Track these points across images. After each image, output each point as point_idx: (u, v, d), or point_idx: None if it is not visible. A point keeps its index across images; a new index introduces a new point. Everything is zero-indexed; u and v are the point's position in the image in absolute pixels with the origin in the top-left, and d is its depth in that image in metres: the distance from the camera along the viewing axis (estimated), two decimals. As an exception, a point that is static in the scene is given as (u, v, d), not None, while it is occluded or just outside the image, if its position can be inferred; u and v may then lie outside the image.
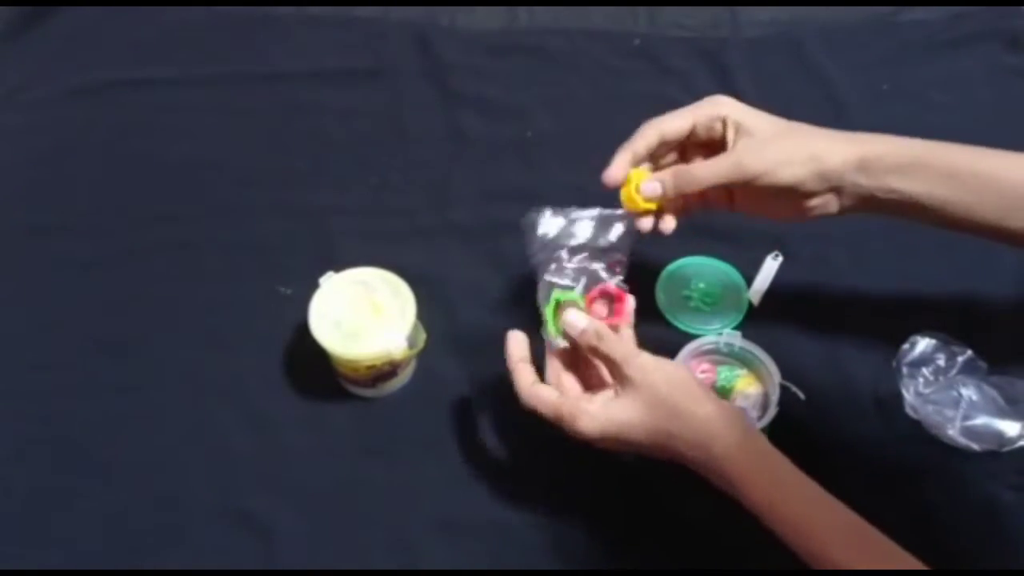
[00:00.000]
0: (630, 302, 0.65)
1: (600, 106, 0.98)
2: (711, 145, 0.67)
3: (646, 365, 0.61)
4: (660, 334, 0.79)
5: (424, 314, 0.74)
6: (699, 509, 0.68)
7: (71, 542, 0.70)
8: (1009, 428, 0.71)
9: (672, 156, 0.69)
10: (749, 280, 0.82)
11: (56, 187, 0.91)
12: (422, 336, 0.74)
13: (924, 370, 0.74)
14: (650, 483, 0.71)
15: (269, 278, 0.83)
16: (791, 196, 0.65)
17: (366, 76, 1.00)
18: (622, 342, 0.63)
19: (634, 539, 0.70)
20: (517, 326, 0.80)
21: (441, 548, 0.70)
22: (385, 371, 0.74)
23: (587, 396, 0.64)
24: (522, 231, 0.67)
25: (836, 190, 0.65)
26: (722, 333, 0.71)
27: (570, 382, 0.66)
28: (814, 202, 0.65)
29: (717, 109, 0.66)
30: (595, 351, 0.63)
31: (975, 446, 0.71)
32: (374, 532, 0.71)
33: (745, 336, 0.72)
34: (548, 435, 0.74)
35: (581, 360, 0.67)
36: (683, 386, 0.61)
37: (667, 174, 0.65)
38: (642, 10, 1.05)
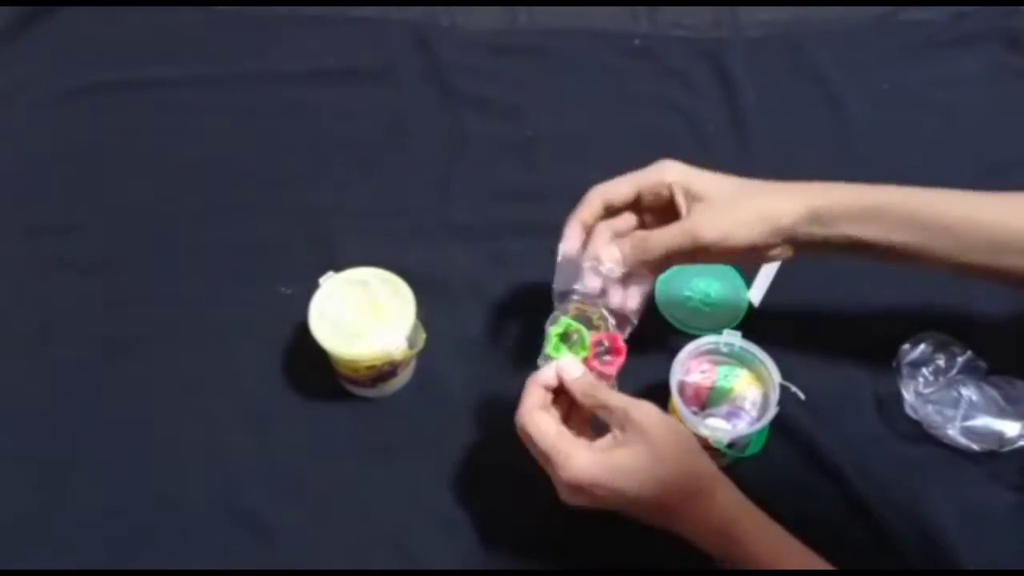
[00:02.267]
0: (622, 359, 0.66)
1: (600, 106, 0.98)
2: (664, 209, 0.67)
3: (652, 414, 0.60)
4: (660, 334, 0.79)
5: (424, 314, 0.74)
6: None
7: (71, 542, 0.70)
8: (1009, 428, 0.71)
9: (630, 217, 0.69)
10: (749, 280, 0.82)
11: (55, 187, 0.91)
12: (422, 336, 0.74)
13: (924, 370, 0.74)
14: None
15: (269, 278, 0.83)
16: (747, 253, 0.65)
17: (366, 76, 1.00)
18: (616, 391, 0.63)
19: (634, 539, 0.69)
20: (517, 326, 0.81)
21: (441, 548, 0.70)
22: (385, 371, 0.74)
23: (583, 440, 0.61)
24: (555, 258, 0.67)
25: (792, 242, 0.65)
26: (722, 333, 0.71)
27: (547, 421, 0.62)
28: (772, 253, 0.66)
29: (662, 176, 0.66)
30: (592, 399, 0.61)
31: (975, 446, 0.71)
32: (374, 532, 0.71)
33: (745, 336, 0.72)
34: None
35: (561, 407, 0.65)
36: (686, 437, 0.61)
37: (625, 243, 0.65)
38: (642, 10, 1.05)
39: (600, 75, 1.00)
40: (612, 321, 0.66)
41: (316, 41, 1.03)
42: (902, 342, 0.75)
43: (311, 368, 0.77)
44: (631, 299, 0.67)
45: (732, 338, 0.71)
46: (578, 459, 0.58)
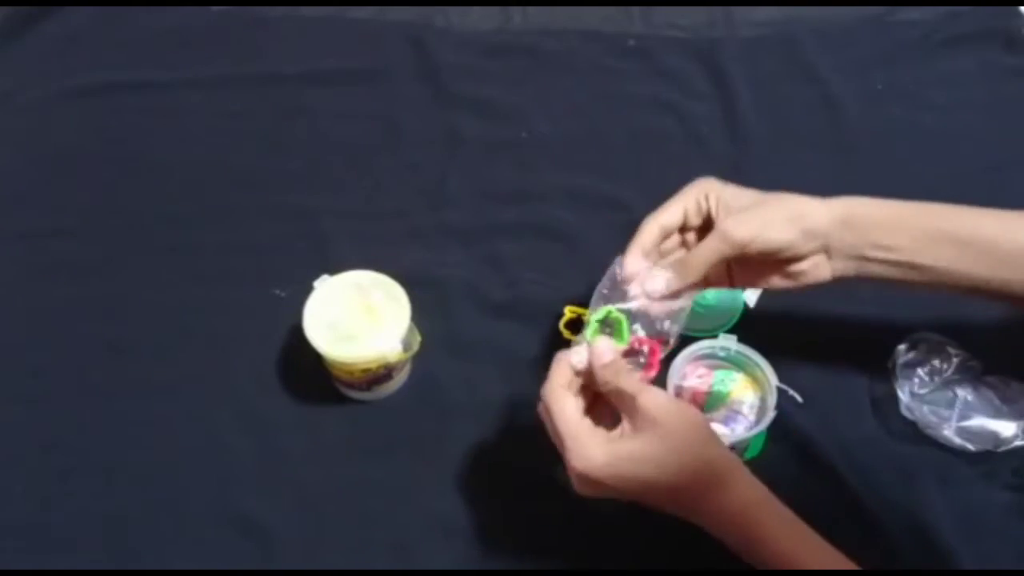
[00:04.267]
0: (653, 374, 0.65)
1: (595, 107, 0.97)
2: (705, 227, 0.67)
3: (661, 401, 0.59)
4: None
5: (419, 317, 0.73)
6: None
7: (71, 542, 0.70)
8: (1004, 428, 0.72)
9: (676, 243, 0.70)
10: (744, 281, 0.81)
11: (52, 189, 0.91)
12: (417, 339, 0.74)
13: (920, 371, 0.74)
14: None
15: (264, 281, 0.83)
16: (782, 261, 0.65)
17: (361, 77, 1.00)
18: (639, 382, 0.62)
19: (633, 539, 0.70)
20: (512, 328, 0.80)
21: (437, 549, 0.70)
22: (380, 374, 0.73)
23: (601, 430, 0.60)
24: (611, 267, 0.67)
25: (826, 250, 0.65)
26: (718, 336, 0.71)
27: (571, 405, 0.61)
28: (805, 265, 0.66)
29: (702, 188, 0.67)
30: (610, 384, 0.60)
31: (971, 447, 0.71)
32: (370, 534, 0.71)
33: (741, 339, 0.72)
34: (544, 436, 0.75)
35: (586, 397, 0.64)
36: (701, 424, 0.60)
37: (668, 270, 0.65)
38: (637, 10, 1.05)
39: (595, 76, 1.00)
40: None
41: (312, 43, 1.03)
42: (897, 343, 0.75)
43: (306, 371, 0.77)
44: (672, 322, 0.66)
45: (728, 342, 0.71)
46: (592, 451, 0.57)
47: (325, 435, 0.75)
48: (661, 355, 0.66)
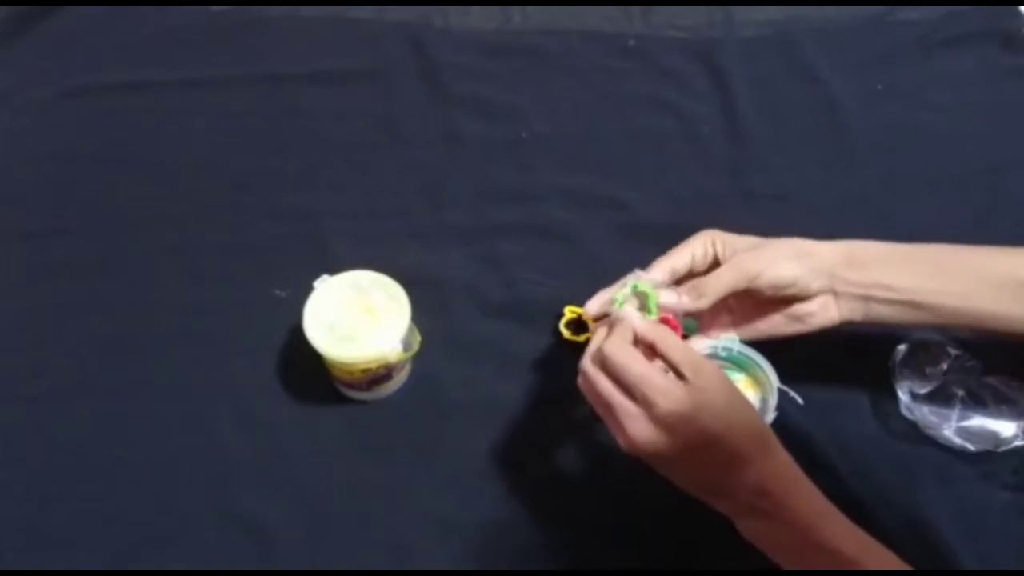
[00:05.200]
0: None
1: (595, 107, 0.97)
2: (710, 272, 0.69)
3: (713, 365, 0.60)
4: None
5: (419, 317, 0.73)
6: (697, 509, 0.68)
7: (71, 542, 0.70)
8: (1004, 428, 0.72)
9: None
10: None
11: (52, 189, 0.91)
12: (417, 339, 0.74)
13: (920, 371, 0.74)
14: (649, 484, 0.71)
15: (264, 281, 0.83)
16: (790, 300, 0.68)
17: (361, 77, 1.00)
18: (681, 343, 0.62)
19: (633, 539, 0.70)
20: (512, 328, 0.80)
21: (437, 549, 0.70)
22: (380, 374, 0.73)
23: (671, 375, 0.60)
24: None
25: (833, 292, 0.67)
26: (719, 337, 0.71)
27: (638, 354, 0.61)
28: (813, 306, 0.68)
29: (709, 236, 0.70)
30: (667, 344, 0.61)
31: (970, 446, 0.71)
32: (370, 534, 0.71)
33: (742, 339, 0.72)
34: (544, 436, 0.75)
35: None
36: (737, 390, 0.61)
37: (683, 291, 0.68)
38: (636, 10, 1.05)
39: (594, 76, 1.00)
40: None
41: (311, 43, 1.03)
42: (898, 343, 0.76)
43: (306, 371, 0.76)
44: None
45: (730, 342, 0.71)
46: (676, 391, 0.57)
47: (325, 435, 0.75)
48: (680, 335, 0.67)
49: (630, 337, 0.61)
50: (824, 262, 0.67)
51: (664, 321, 0.67)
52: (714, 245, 0.69)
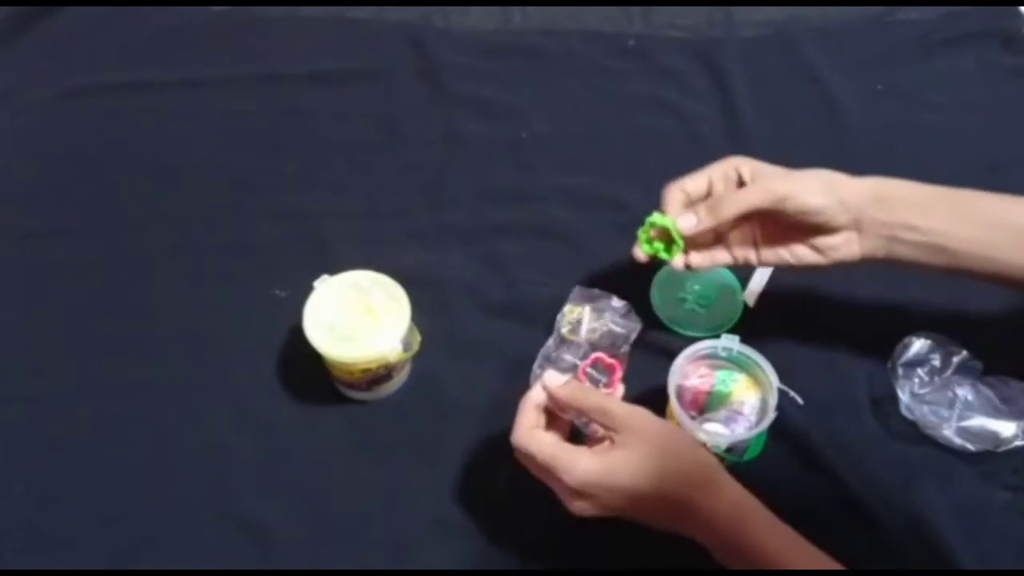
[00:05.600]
0: (620, 371, 0.68)
1: (595, 107, 0.98)
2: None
3: (641, 412, 0.60)
4: (657, 338, 0.79)
5: (419, 317, 0.73)
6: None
7: (71, 542, 0.70)
8: (1004, 428, 0.71)
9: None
10: (744, 281, 0.81)
11: (52, 189, 0.91)
12: (417, 339, 0.74)
13: (919, 371, 0.74)
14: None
15: (264, 281, 0.83)
16: (815, 230, 0.67)
17: (361, 78, 1.00)
18: (608, 396, 0.63)
19: (632, 539, 0.69)
20: (512, 328, 0.80)
21: (437, 549, 0.70)
22: (380, 374, 0.73)
23: (582, 447, 0.61)
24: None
25: (857, 227, 0.66)
26: (719, 336, 0.71)
27: (545, 437, 0.62)
28: (837, 240, 0.67)
29: (731, 162, 0.69)
30: (581, 404, 0.61)
31: (970, 446, 0.71)
32: (370, 533, 0.71)
33: (741, 339, 0.72)
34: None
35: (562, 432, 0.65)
36: (680, 433, 0.61)
37: (701, 207, 0.67)
38: (636, 10, 1.05)
39: (594, 76, 1.00)
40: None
41: (312, 43, 1.03)
42: (897, 342, 0.75)
43: (306, 371, 0.76)
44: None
45: (730, 342, 0.71)
46: (580, 463, 0.58)
47: (325, 435, 0.75)
48: (621, 374, 0.67)
49: (533, 420, 0.62)
50: (853, 195, 0.66)
51: (601, 363, 0.67)
52: (738, 170, 0.68)
